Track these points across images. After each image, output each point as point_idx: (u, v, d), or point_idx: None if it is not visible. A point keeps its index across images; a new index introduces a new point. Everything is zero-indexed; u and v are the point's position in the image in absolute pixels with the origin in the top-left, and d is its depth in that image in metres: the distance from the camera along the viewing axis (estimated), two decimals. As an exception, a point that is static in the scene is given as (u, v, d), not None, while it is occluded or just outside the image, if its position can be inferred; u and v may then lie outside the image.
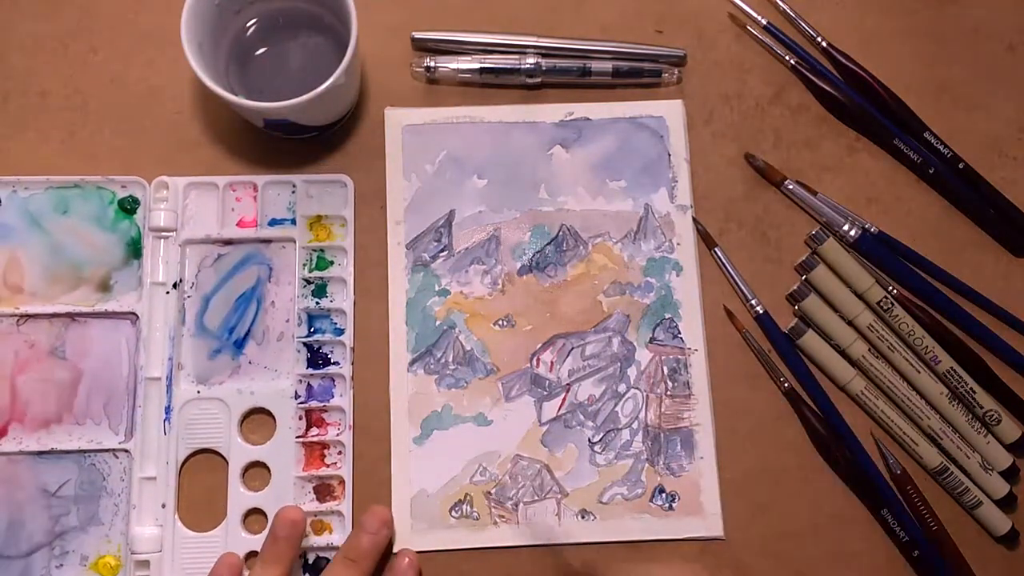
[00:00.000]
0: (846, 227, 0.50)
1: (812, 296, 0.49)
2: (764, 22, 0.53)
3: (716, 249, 0.50)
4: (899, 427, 0.48)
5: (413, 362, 0.49)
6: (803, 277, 0.50)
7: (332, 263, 0.50)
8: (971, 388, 0.49)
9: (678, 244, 0.50)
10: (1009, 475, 0.48)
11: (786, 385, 0.49)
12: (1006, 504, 0.48)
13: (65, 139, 0.51)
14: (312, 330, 0.49)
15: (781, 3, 0.53)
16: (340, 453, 0.47)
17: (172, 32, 0.45)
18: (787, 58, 0.52)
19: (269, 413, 0.48)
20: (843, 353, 0.49)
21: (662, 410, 0.49)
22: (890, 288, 0.50)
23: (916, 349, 0.49)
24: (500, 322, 0.49)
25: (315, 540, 0.47)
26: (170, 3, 0.46)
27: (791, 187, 0.51)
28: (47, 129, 0.51)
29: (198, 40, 0.46)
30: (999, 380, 0.49)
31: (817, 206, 0.50)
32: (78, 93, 0.51)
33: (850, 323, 0.49)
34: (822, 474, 0.48)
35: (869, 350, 0.49)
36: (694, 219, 0.50)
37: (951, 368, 0.49)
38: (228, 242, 0.50)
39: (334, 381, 0.48)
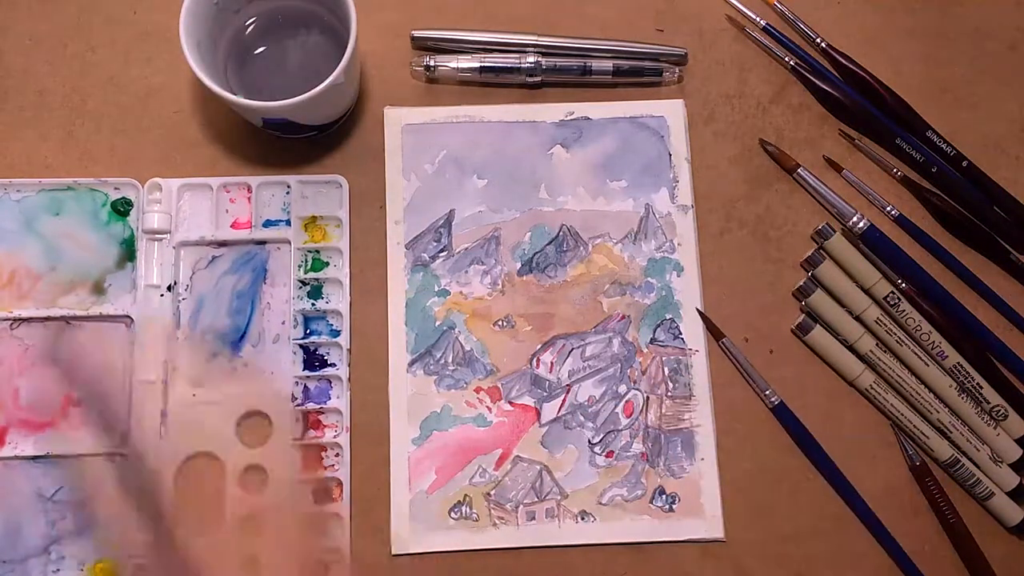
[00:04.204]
0: (855, 219, 0.50)
1: (819, 291, 0.49)
2: (763, 24, 0.52)
3: (723, 341, 0.49)
4: (909, 420, 0.48)
5: (412, 363, 0.48)
6: (809, 273, 0.50)
7: (327, 264, 0.49)
8: (978, 384, 0.49)
9: (679, 244, 0.50)
10: (1019, 467, 0.48)
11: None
12: (1017, 495, 0.48)
13: (63, 138, 0.50)
14: (308, 332, 0.48)
15: (779, 4, 0.53)
16: (338, 455, 0.47)
17: (171, 31, 0.45)
18: (787, 59, 0.52)
19: (266, 416, 0.47)
20: (851, 348, 0.49)
21: (663, 411, 0.48)
22: (898, 282, 0.50)
23: (923, 344, 0.49)
24: (500, 323, 0.49)
25: (313, 542, 0.46)
26: (169, 2, 0.46)
27: (803, 175, 0.51)
28: (45, 128, 0.50)
29: (197, 39, 0.46)
30: (1005, 377, 0.49)
31: (829, 196, 0.50)
32: (76, 92, 0.51)
33: (857, 318, 0.49)
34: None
35: (877, 345, 0.49)
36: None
37: (958, 363, 0.49)
38: (222, 244, 0.49)
39: (331, 383, 0.48)
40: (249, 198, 0.49)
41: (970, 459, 0.48)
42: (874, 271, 0.49)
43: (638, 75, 0.51)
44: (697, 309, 0.49)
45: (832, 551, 0.48)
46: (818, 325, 0.49)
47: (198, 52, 0.45)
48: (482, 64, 0.51)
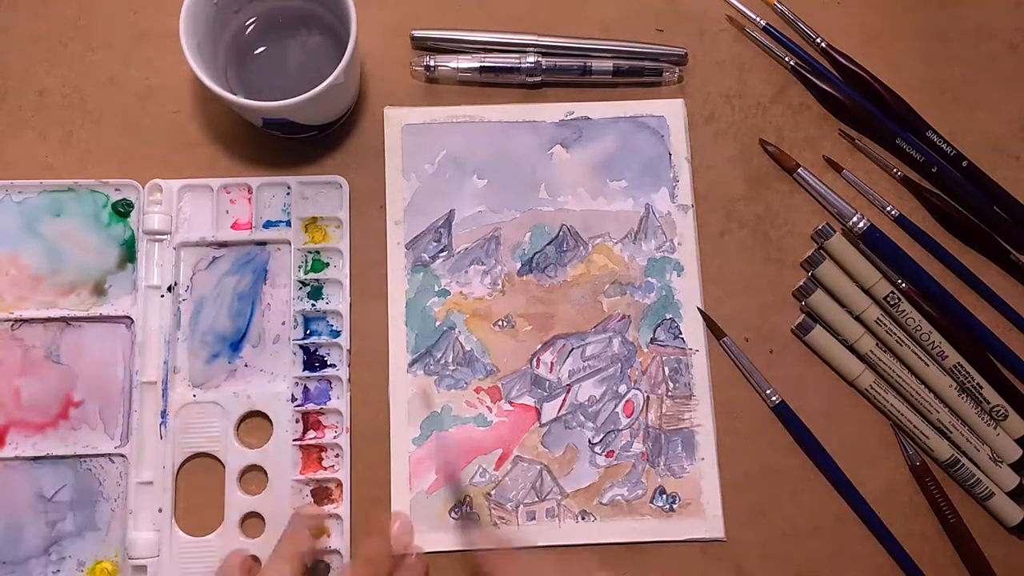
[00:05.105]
0: (855, 219, 0.50)
1: (819, 292, 0.49)
2: (763, 24, 0.52)
3: (724, 340, 0.49)
4: (909, 420, 0.48)
5: (413, 363, 0.48)
6: (809, 273, 0.50)
7: (328, 265, 0.49)
8: (978, 384, 0.49)
9: (679, 244, 0.50)
10: (1019, 467, 0.48)
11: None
12: (1017, 495, 0.48)
13: (63, 138, 0.50)
14: (308, 332, 0.48)
15: (779, 4, 0.53)
16: (338, 456, 0.47)
17: (171, 31, 0.45)
18: (787, 59, 0.52)
19: (266, 416, 0.47)
20: (851, 348, 0.49)
21: (663, 411, 0.48)
22: (899, 282, 0.50)
23: (923, 344, 0.49)
24: (500, 323, 0.49)
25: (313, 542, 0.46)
26: (169, 2, 0.46)
27: (803, 175, 0.51)
28: (45, 128, 0.50)
29: (197, 39, 0.46)
30: (1005, 377, 0.49)
31: (829, 196, 0.50)
32: (76, 92, 0.51)
33: (857, 318, 0.49)
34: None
35: (877, 345, 0.49)
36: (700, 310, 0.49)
37: (958, 363, 0.49)
38: (223, 244, 0.49)
39: (331, 384, 0.48)
40: (249, 199, 0.49)
41: (970, 459, 0.48)
42: (874, 271, 0.49)
43: (638, 75, 0.51)
44: (698, 308, 0.49)
45: (832, 551, 0.48)
46: (818, 325, 0.49)
47: (198, 52, 0.45)
48: (482, 64, 0.51)
